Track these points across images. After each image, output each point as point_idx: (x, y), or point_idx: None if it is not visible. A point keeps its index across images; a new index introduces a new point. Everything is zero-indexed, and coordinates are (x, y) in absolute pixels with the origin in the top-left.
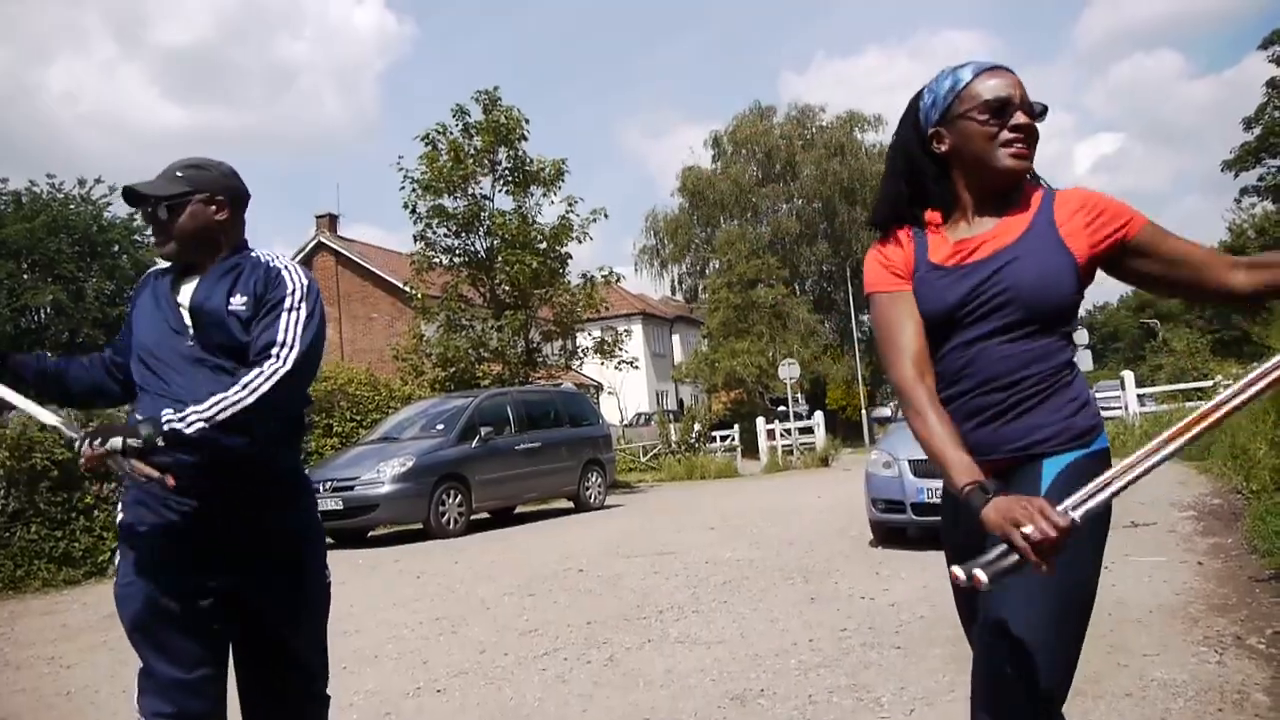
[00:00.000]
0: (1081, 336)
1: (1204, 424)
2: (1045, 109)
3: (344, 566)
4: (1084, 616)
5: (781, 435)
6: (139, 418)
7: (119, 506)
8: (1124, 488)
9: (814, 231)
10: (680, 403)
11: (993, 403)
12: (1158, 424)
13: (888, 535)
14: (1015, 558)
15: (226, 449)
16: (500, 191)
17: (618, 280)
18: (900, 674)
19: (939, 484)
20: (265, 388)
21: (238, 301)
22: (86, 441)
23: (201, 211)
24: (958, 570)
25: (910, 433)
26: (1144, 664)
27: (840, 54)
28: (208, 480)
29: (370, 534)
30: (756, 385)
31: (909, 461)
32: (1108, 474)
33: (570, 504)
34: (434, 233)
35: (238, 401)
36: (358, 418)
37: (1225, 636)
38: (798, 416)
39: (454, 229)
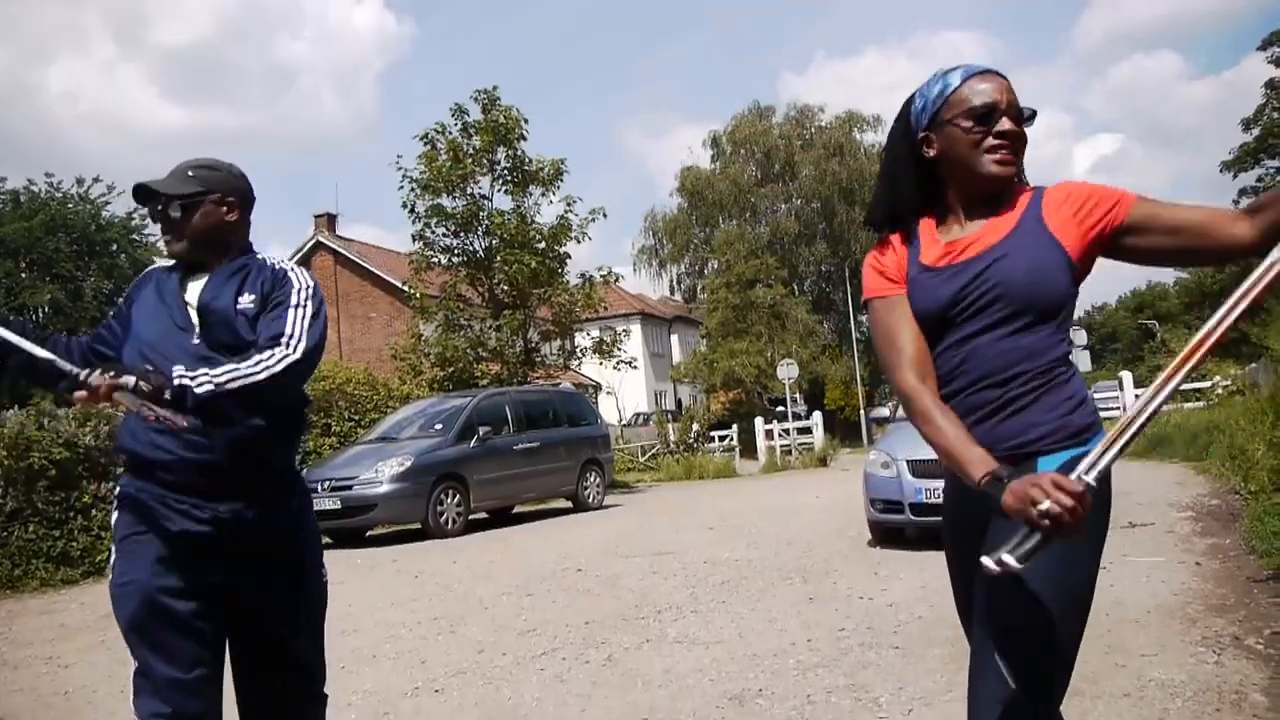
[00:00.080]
0: (1080, 337)
1: (1199, 352)
2: (1034, 114)
3: (342, 566)
4: (1082, 616)
5: (780, 435)
6: (149, 368)
7: (114, 505)
8: (1131, 439)
9: (813, 232)
10: (679, 403)
11: (988, 400)
12: (1155, 424)
13: (886, 535)
14: (1039, 536)
15: (222, 425)
16: (499, 191)
17: (616, 280)
18: (898, 674)
19: (937, 484)
20: (276, 369)
21: (246, 300)
22: (97, 372)
23: (213, 212)
24: (987, 560)
25: (909, 433)
26: (1142, 664)
27: (840, 54)
28: (205, 478)
29: (368, 534)
30: (755, 385)
31: (907, 462)
32: (1112, 432)
33: (569, 504)
34: (433, 232)
35: (248, 375)
36: (356, 417)
37: (1223, 637)
38: (796, 417)
39: (452, 229)
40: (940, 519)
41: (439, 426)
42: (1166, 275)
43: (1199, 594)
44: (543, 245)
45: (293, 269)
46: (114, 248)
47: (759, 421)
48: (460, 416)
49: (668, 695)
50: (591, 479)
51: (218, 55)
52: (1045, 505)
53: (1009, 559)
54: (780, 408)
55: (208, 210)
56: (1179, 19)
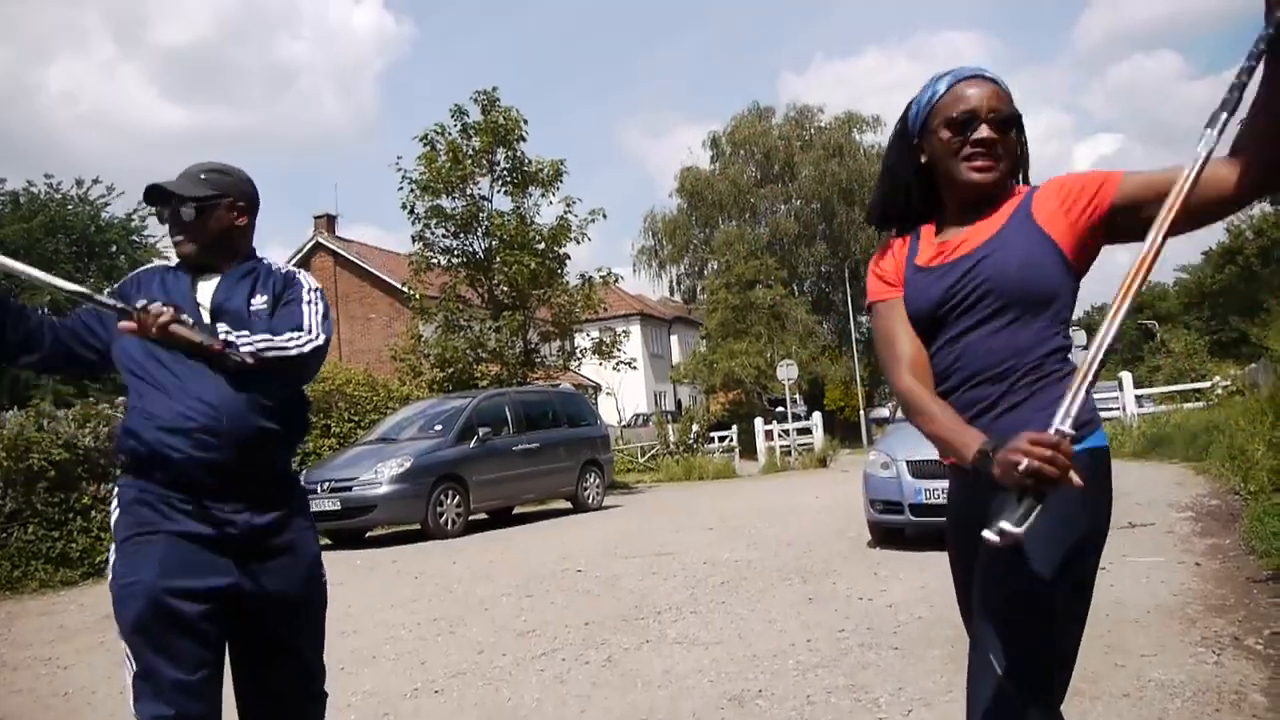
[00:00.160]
0: (1080, 337)
1: (1143, 268)
2: (1017, 118)
3: (342, 567)
4: (1081, 616)
5: (779, 436)
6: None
7: (113, 505)
8: (1097, 372)
9: (812, 232)
10: (678, 403)
11: (982, 397)
12: (1155, 424)
13: (886, 536)
14: (1031, 498)
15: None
16: (498, 192)
17: (616, 281)
18: (898, 675)
19: (937, 485)
20: (305, 349)
21: (259, 302)
22: (158, 304)
23: (225, 216)
24: (988, 533)
25: (908, 433)
26: (1142, 664)
27: (839, 55)
28: (213, 477)
29: (368, 535)
30: (755, 386)
31: (907, 462)
32: (1078, 376)
33: (568, 504)
34: (432, 233)
35: (280, 349)
36: (356, 418)
37: (1223, 637)
38: (796, 417)
39: (452, 229)
40: (939, 519)
41: (439, 427)
42: (1166, 276)
43: (1199, 594)
44: (542, 246)
45: (299, 272)
46: (114, 249)
47: (759, 422)
48: (460, 417)
49: (667, 696)
50: (591, 480)
51: (218, 55)
52: (1024, 464)
53: (1007, 526)
54: (780, 408)
55: (220, 214)
56: (1179, 19)
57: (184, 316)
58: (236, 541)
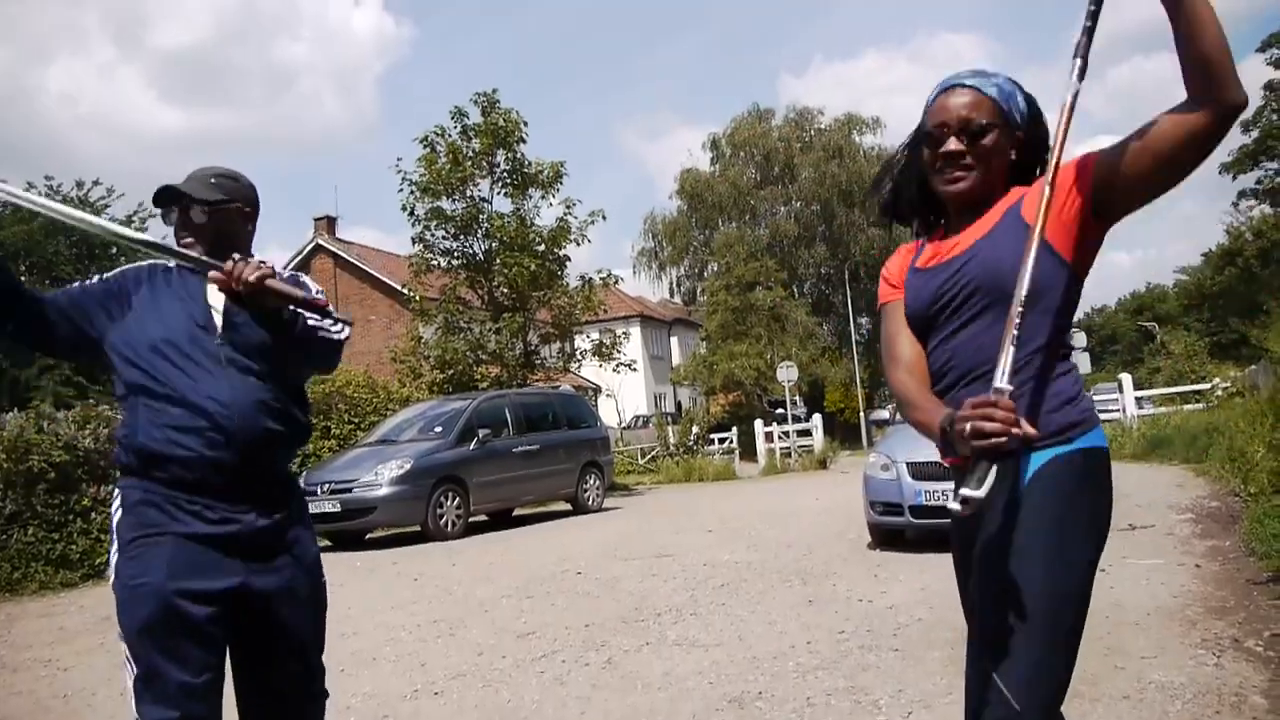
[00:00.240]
0: (1080, 339)
1: (1046, 195)
2: (986, 126)
3: (341, 569)
4: (1080, 617)
5: (780, 438)
6: None
7: (114, 506)
8: (1022, 312)
9: (812, 234)
10: (678, 405)
11: (975, 395)
12: (1155, 426)
13: (886, 538)
14: (985, 460)
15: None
16: (498, 194)
17: (616, 282)
18: (898, 676)
19: (937, 487)
20: (342, 335)
21: None
22: (256, 259)
23: (234, 220)
24: (952, 504)
25: (908, 435)
26: (1142, 666)
27: (839, 56)
28: (221, 477)
29: (368, 536)
30: (755, 388)
31: (907, 464)
32: (1008, 321)
33: (568, 506)
34: (432, 235)
35: (326, 330)
36: (355, 420)
37: (1223, 639)
38: (796, 419)
39: (452, 231)
40: (940, 521)
41: (439, 429)
42: (1166, 277)
43: (1199, 596)
44: (542, 248)
45: (300, 276)
46: (114, 251)
47: (759, 424)
48: (460, 419)
49: (667, 698)
50: (591, 481)
51: (217, 57)
52: (968, 427)
53: (968, 491)
54: (780, 410)
55: (230, 218)
56: None
57: (279, 269)
58: (242, 542)
